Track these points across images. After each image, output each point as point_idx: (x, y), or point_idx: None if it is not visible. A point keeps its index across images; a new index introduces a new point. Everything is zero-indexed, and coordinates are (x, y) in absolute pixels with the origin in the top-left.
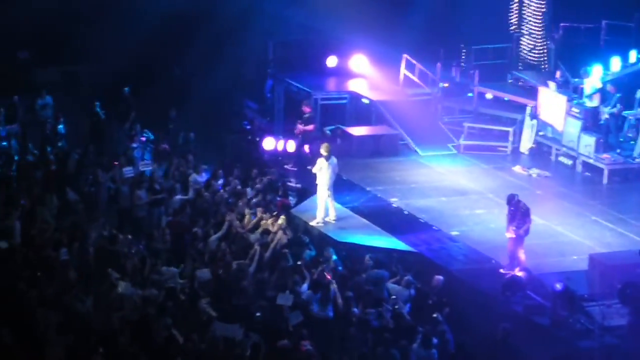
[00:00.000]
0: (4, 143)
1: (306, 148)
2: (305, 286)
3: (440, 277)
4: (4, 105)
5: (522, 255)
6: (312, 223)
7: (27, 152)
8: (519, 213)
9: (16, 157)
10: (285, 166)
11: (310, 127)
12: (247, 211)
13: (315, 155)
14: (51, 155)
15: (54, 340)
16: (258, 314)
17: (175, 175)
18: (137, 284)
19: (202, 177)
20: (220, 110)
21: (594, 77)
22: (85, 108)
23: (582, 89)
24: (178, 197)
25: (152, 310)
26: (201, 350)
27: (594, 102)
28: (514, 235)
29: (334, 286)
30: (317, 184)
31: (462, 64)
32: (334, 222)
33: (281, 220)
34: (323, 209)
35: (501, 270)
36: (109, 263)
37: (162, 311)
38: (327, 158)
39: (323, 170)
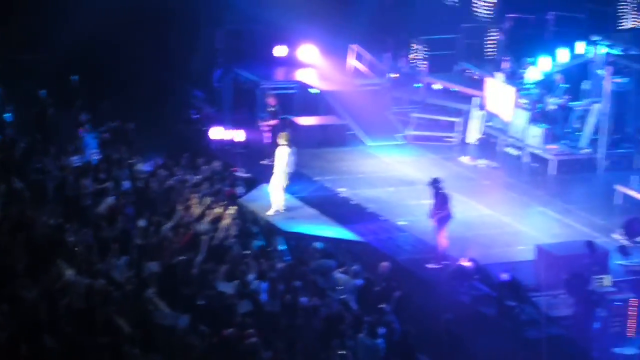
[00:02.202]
0: None
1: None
2: (252, 276)
3: (387, 264)
4: None
5: (443, 241)
6: (269, 213)
7: None
8: (438, 198)
9: None
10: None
11: (275, 121)
12: (194, 200)
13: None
14: None
15: None
16: (202, 302)
17: (121, 164)
18: (83, 272)
19: (148, 166)
20: (167, 99)
21: (539, 68)
22: (32, 96)
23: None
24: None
25: (98, 299)
26: (147, 339)
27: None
28: (436, 222)
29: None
30: (273, 173)
31: (412, 54)
32: (282, 212)
33: (231, 210)
34: (280, 198)
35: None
36: (56, 251)
37: (108, 300)
38: (288, 147)
39: (282, 159)
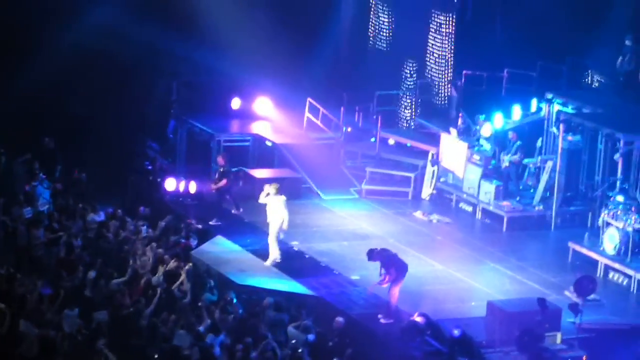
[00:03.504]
0: None
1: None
2: (202, 328)
3: (341, 319)
4: None
5: (395, 295)
6: (266, 263)
7: None
8: (387, 262)
9: None
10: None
11: (223, 182)
12: (147, 252)
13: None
14: None
15: None
16: (156, 356)
17: (73, 215)
18: (33, 322)
19: (100, 217)
20: (121, 150)
21: (492, 124)
22: None
23: (478, 133)
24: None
25: (48, 350)
26: None
27: (488, 148)
28: (389, 285)
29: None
30: (268, 223)
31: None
32: (279, 262)
33: (188, 265)
34: (276, 248)
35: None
36: (6, 302)
37: (56, 351)
38: (278, 197)
39: (276, 209)
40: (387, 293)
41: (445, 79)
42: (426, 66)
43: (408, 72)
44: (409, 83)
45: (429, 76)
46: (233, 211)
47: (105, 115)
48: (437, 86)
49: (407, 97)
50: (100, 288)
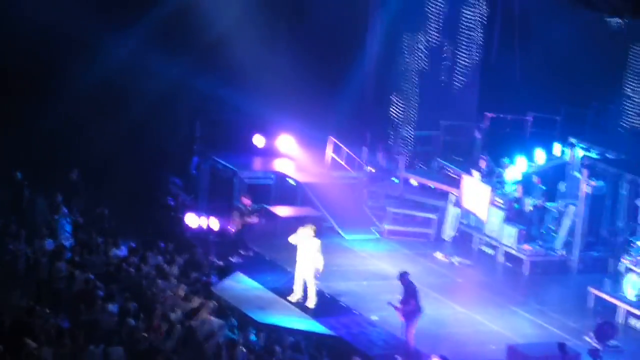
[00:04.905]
0: None
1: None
2: None
3: (358, 359)
4: None
5: (410, 337)
6: (290, 298)
7: None
8: (412, 292)
9: None
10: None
11: (255, 218)
12: (169, 289)
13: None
14: None
15: None
16: None
17: (95, 249)
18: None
19: (122, 252)
20: (144, 186)
21: (517, 168)
22: (6, 177)
23: (502, 178)
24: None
25: None
26: None
27: (516, 193)
28: (404, 317)
29: None
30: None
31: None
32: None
33: (212, 303)
34: (301, 287)
35: (397, 359)
36: (25, 334)
37: None
38: (314, 238)
39: (309, 251)
40: (403, 333)
41: (470, 121)
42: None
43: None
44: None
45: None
46: (241, 252)
47: (129, 151)
48: (461, 127)
49: (431, 137)
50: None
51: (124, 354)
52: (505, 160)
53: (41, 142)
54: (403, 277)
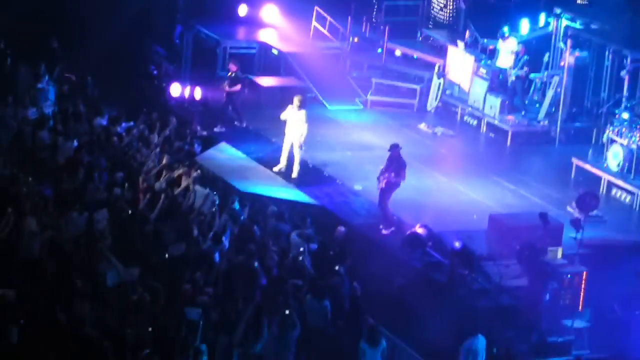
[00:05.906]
0: None
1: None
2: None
3: (342, 228)
4: None
5: (385, 206)
6: (275, 169)
7: None
8: (394, 164)
9: None
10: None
11: (237, 87)
12: (151, 157)
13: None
14: None
15: None
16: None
17: (78, 117)
18: (40, 224)
19: (105, 121)
20: (126, 54)
21: (511, 39)
22: None
23: (494, 49)
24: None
25: (51, 252)
26: (97, 294)
27: (507, 63)
28: (383, 186)
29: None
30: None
31: (373, 19)
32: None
33: (195, 172)
34: (286, 156)
35: (381, 228)
36: (10, 202)
37: (60, 253)
38: (300, 109)
39: (296, 123)
40: (378, 204)
41: None
42: None
43: None
44: None
45: None
46: (236, 123)
47: (111, 20)
48: None
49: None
50: (103, 192)
51: (108, 215)
52: (504, 30)
53: (22, 9)
54: (394, 149)
